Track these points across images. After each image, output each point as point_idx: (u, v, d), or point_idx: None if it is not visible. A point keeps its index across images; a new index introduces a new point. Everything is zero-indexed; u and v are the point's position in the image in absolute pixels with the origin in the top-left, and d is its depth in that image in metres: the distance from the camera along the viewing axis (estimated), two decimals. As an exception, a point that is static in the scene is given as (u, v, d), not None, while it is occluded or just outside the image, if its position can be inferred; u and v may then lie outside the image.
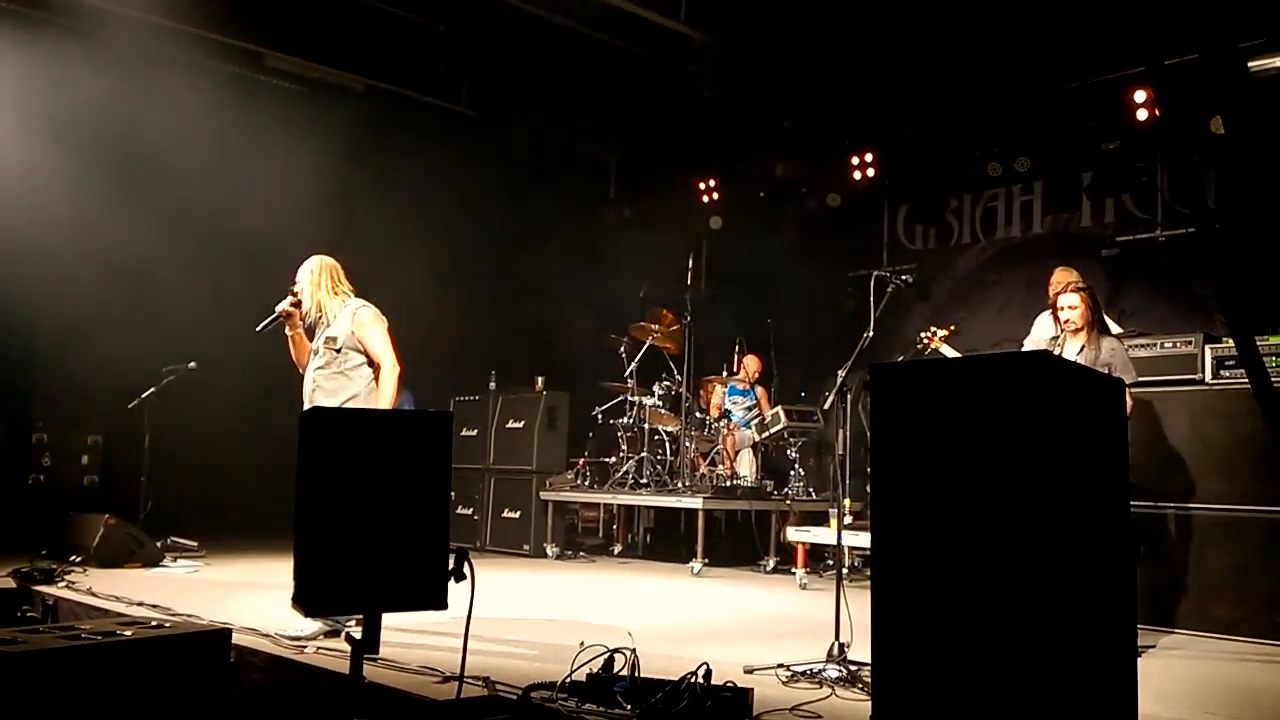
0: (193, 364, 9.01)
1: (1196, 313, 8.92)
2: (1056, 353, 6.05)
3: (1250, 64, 8.71)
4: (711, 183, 12.96)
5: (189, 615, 5.65)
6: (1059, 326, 6.12)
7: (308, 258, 6.08)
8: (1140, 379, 6.55)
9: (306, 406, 5.69)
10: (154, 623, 4.58)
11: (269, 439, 6.96)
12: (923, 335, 7.59)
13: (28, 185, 9.38)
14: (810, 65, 10.39)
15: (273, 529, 6.39)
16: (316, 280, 5.97)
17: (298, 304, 5.97)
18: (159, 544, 8.62)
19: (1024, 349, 6.73)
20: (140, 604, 6.18)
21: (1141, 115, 9.41)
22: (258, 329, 6.14)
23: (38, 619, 6.18)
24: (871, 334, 5.39)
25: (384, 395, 5.75)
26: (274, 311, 5.99)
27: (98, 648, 3.98)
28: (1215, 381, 6.53)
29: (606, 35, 10.31)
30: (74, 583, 6.90)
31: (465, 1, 9.79)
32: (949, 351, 7.41)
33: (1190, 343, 6.73)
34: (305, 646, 4.83)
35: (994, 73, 10.05)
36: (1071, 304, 6.00)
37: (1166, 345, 6.84)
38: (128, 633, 4.21)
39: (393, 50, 10.69)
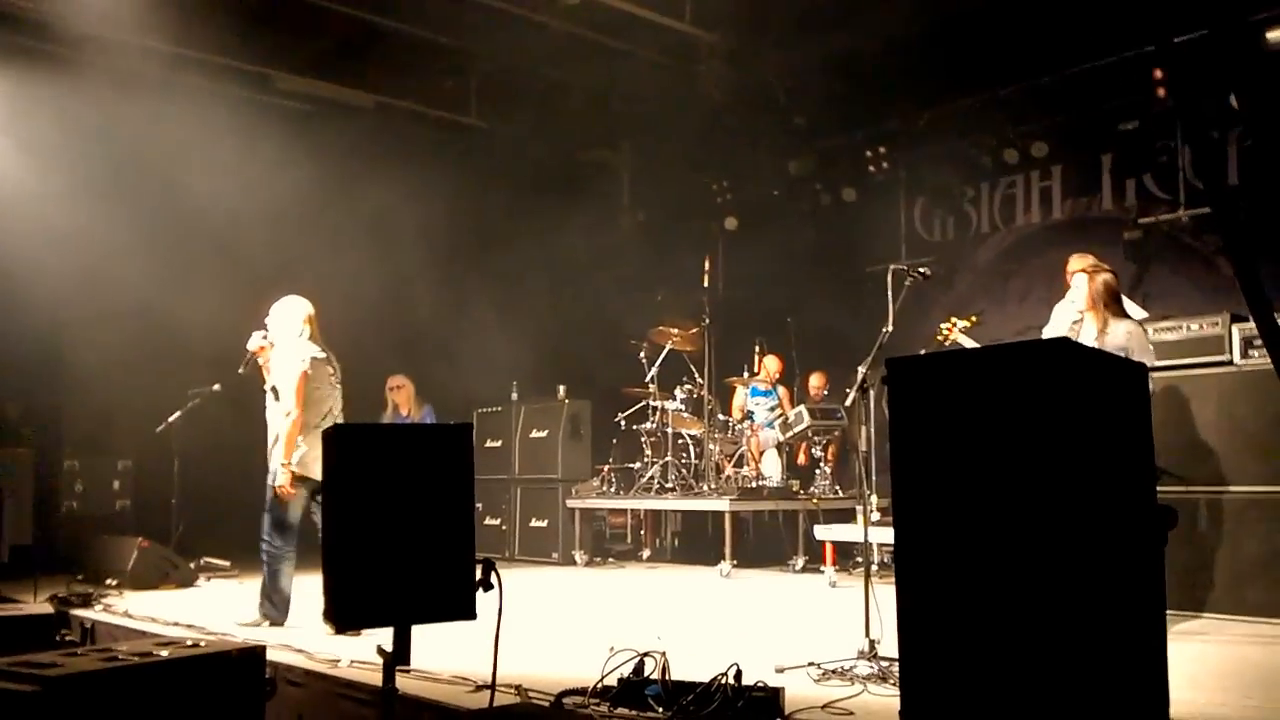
0: (217, 386, 9.06)
1: (1223, 292, 8.82)
2: (1077, 339, 6.04)
3: (1269, 35, 8.63)
4: (725, 183, 12.95)
5: (224, 634, 5.70)
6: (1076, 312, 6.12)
7: (297, 294, 6.41)
8: (1167, 362, 6.51)
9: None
10: (190, 642, 4.61)
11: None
12: (942, 326, 7.55)
13: (45, 217, 9.48)
14: (819, 60, 10.35)
15: (303, 544, 6.44)
16: (276, 322, 6.41)
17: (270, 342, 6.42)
18: (192, 565, 8.70)
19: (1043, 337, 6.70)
20: (176, 624, 6.25)
21: (1160, 94, 9.31)
22: (239, 370, 6.63)
23: (76, 642, 6.24)
24: (891, 329, 5.38)
25: (286, 439, 6.15)
26: (247, 352, 6.46)
27: (135, 669, 4.01)
28: (1244, 362, 6.45)
29: (612, 39, 10.31)
30: (110, 605, 6.99)
31: (470, 14, 9.79)
32: (968, 343, 7.36)
33: (1217, 323, 6.64)
34: (339, 660, 4.86)
35: (1008, 58, 9.98)
36: (1076, 284, 6.07)
37: (1193, 327, 6.75)
38: (164, 653, 4.24)
39: (400, 66, 10.72)
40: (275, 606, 6.32)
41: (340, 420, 6.45)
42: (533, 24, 9.84)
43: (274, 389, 6.32)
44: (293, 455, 6.16)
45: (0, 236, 9.27)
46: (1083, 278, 6.00)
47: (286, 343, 6.37)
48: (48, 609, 6.02)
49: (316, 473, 6.03)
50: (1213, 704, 3.92)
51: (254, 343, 6.44)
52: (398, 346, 11.28)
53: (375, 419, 10.27)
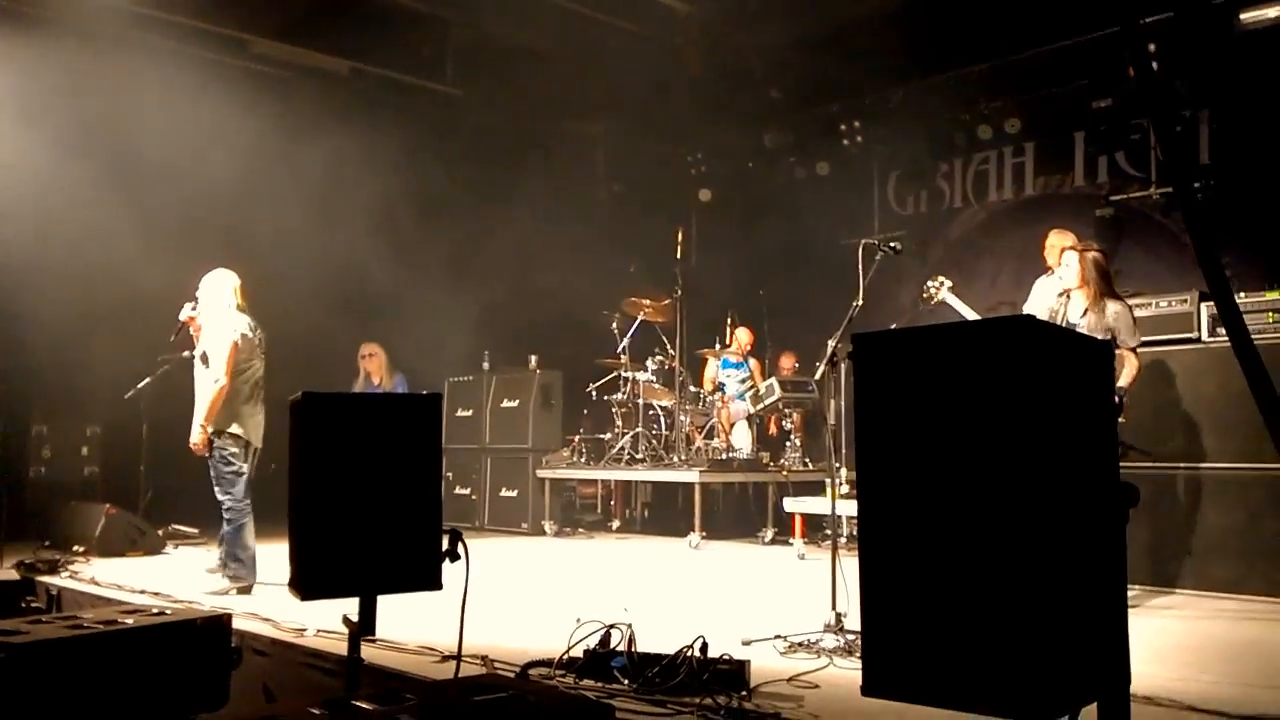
0: (187, 353, 8.96)
1: (1192, 270, 8.88)
2: (1060, 315, 6.08)
3: (1242, 16, 8.66)
4: (699, 155, 12.92)
5: (191, 602, 5.68)
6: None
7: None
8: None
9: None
10: (156, 610, 4.60)
11: (266, 424, 7.04)
12: (929, 284, 7.49)
13: (14, 177, 9.34)
14: (795, 34, 10.32)
15: (272, 513, 6.43)
16: (206, 294, 6.64)
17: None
18: (160, 532, 8.66)
19: (1024, 313, 6.71)
20: (142, 591, 6.23)
21: (1129, 73, 9.34)
22: (170, 339, 7.05)
23: (42, 609, 6.22)
24: (861, 303, 5.39)
25: (209, 403, 6.39)
26: (179, 321, 6.75)
27: (101, 636, 4.01)
28: (1211, 340, 6.51)
29: (590, 9, 10.23)
30: (77, 572, 6.95)
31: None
32: (953, 301, 7.31)
33: (1186, 301, 6.71)
34: (305, 629, 4.85)
35: (983, 34, 9.99)
36: (1068, 262, 6.07)
37: (1162, 304, 6.81)
38: (130, 621, 4.24)
39: (376, 32, 10.61)
40: (244, 564, 6.41)
41: (262, 388, 6.72)
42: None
43: (204, 356, 6.52)
44: (212, 419, 6.39)
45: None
46: (1074, 255, 6.04)
47: (217, 313, 6.58)
48: (13, 575, 6.00)
49: (256, 438, 6.60)
50: (1173, 678, 3.97)
51: (184, 313, 6.73)
52: (368, 314, 11.22)
53: (346, 387, 10.22)
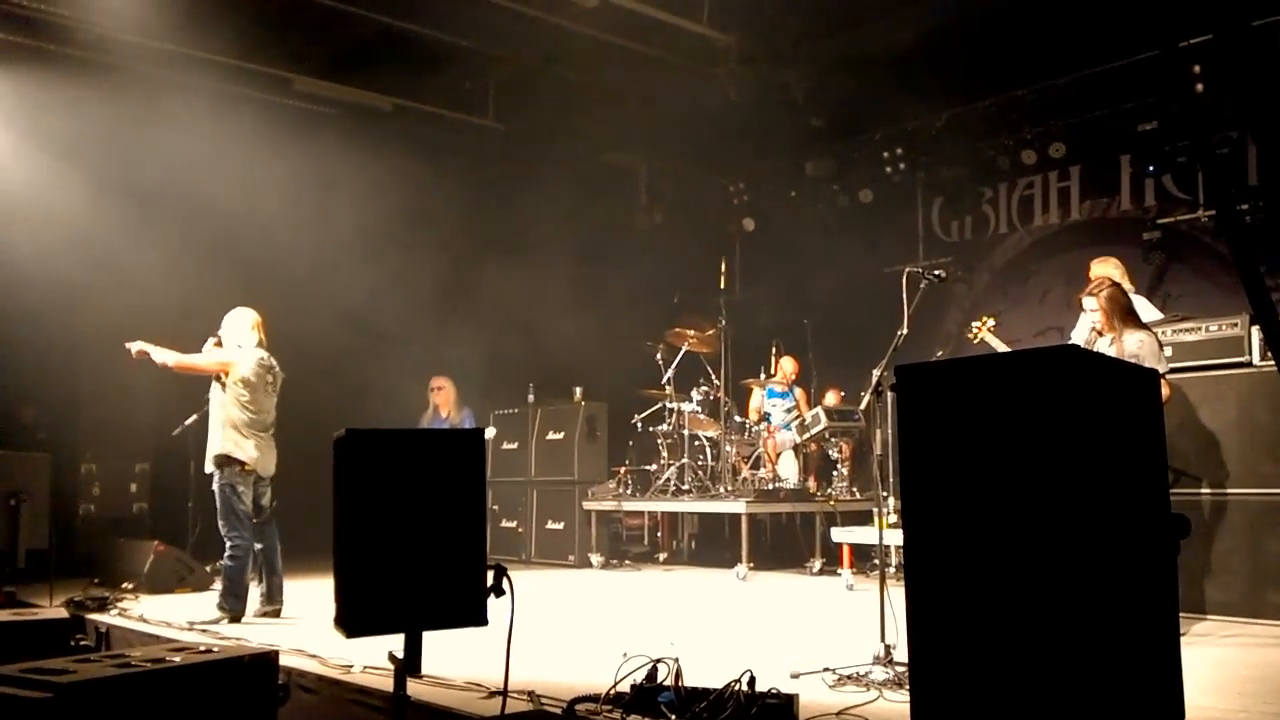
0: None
1: (1243, 294, 8.74)
2: (1094, 346, 6.05)
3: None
4: (741, 185, 12.92)
5: (238, 639, 5.71)
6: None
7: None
8: (1186, 363, 6.48)
9: None
10: (203, 647, 4.62)
11: (312, 459, 7.10)
12: (973, 324, 7.53)
13: (61, 222, 9.53)
14: (836, 61, 10.30)
15: (317, 547, 6.47)
16: (228, 330, 7.04)
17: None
18: (208, 568, 8.71)
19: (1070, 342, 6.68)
20: (191, 627, 6.27)
21: (1178, 94, 9.22)
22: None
23: (91, 647, 6.25)
24: (906, 331, 5.35)
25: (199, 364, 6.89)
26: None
27: (148, 675, 4.02)
28: (1264, 363, 6.36)
29: (629, 41, 10.27)
30: (126, 610, 7.01)
31: (488, 17, 9.77)
32: (995, 342, 7.34)
33: (1236, 324, 6.56)
34: (351, 665, 4.85)
35: (1026, 58, 9.92)
36: (1090, 307, 6.13)
37: (1212, 328, 6.66)
38: (177, 659, 4.25)
39: (418, 69, 10.73)
40: (239, 599, 6.69)
41: (273, 424, 7.09)
42: (551, 26, 9.82)
43: (219, 377, 6.91)
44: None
45: (15, 240, 9.32)
46: (1090, 300, 6.10)
47: (237, 347, 6.98)
48: (63, 614, 6.03)
49: (262, 467, 6.92)
50: (1232, 710, 3.87)
51: (207, 349, 7.10)
52: (408, 347, 11.29)
53: (397, 423, 10.26)
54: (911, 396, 2.49)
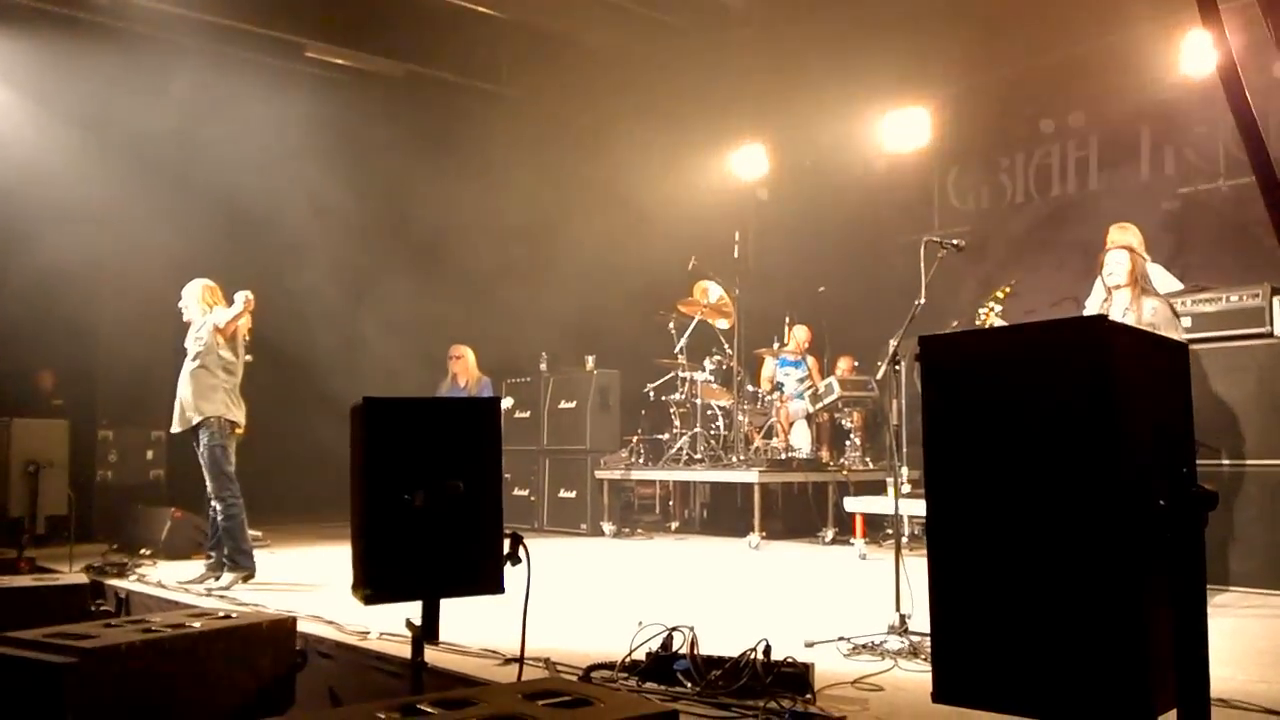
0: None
1: (1264, 264, 8.68)
2: (1109, 311, 6.00)
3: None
4: (757, 153, 12.85)
5: (255, 605, 5.74)
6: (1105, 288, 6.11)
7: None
8: (1206, 334, 6.43)
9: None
10: (222, 614, 4.66)
11: (327, 425, 7.14)
12: (980, 312, 7.47)
13: (77, 187, 9.54)
14: (851, 26, 10.21)
15: (335, 514, 6.52)
16: (188, 300, 7.15)
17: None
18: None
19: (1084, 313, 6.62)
20: (208, 594, 6.32)
21: (1199, 63, 9.10)
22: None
23: (111, 612, 6.31)
24: (923, 301, 5.33)
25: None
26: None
27: (170, 640, 4.06)
28: (1286, 334, 6.34)
29: (643, 7, 10.21)
30: (144, 575, 7.06)
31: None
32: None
33: (1257, 295, 6.48)
34: (369, 632, 4.88)
35: (1045, 26, 9.81)
36: (1118, 260, 6.04)
37: (1232, 299, 6.59)
38: (198, 624, 4.29)
39: (430, 34, 10.67)
40: (247, 554, 6.76)
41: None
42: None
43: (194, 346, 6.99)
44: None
45: (33, 208, 9.34)
46: (1124, 254, 6.00)
47: (200, 313, 7.08)
48: (83, 579, 6.08)
49: (242, 420, 7.08)
50: (1250, 680, 3.87)
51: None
52: (418, 314, 11.30)
53: (416, 391, 10.27)
54: (936, 367, 2.48)
